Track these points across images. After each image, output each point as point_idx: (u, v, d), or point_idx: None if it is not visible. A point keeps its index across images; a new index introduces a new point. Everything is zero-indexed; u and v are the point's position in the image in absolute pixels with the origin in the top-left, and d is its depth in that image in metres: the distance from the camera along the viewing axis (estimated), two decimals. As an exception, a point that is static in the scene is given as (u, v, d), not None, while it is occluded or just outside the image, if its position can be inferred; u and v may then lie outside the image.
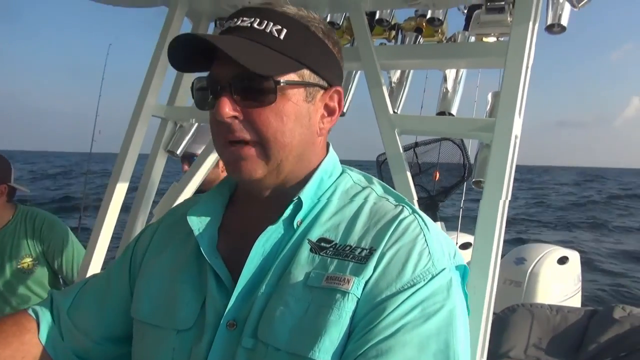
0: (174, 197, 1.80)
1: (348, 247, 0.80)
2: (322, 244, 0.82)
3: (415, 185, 1.72)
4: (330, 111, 0.89)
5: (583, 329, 3.15)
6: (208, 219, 0.91)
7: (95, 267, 1.74)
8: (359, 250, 0.79)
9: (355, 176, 0.94)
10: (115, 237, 1.79)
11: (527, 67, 1.35)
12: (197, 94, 0.87)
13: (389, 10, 1.77)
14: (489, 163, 1.26)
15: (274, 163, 0.83)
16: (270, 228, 0.83)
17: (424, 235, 0.81)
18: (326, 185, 0.89)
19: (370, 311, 0.74)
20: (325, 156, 0.92)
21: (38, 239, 2.33)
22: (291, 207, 0.84)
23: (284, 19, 0.82)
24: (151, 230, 1.02)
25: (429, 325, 0.73)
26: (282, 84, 0.80)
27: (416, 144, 1.77)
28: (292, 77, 0.82)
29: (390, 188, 0.93)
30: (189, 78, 1.85)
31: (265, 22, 0.81)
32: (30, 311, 0.99)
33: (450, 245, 0.85)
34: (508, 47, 1.32)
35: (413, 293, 0.75)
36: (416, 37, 1.76)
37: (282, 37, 0.81)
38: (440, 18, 1.69)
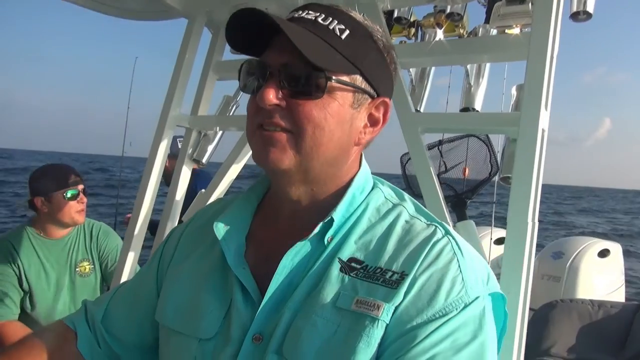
0: (201, 206, 1.82)
1: (379, 270, 0.78)
2: (353, 264, 0.80)
3: (442, 183, 1.69)
4: (373, 121, 0.87)
5: (628, 323, 3.04)
6: (235, 227, 0.89)
7: (127, 277, 1.78)
8: (389, 273, 0.77)
9: (386, 191, 0.91)
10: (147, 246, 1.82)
11: (551, 58, 1.31)
12: (244, 77, 0.84)
13: (407, 8, 1.75)
14: (515, 158, 1.23)
15: (303, 159, 0.80)
16: (299, 244, 0.81)
17: (458, 260, 0.78)
18: (358, 201, 0.87)
19: (399, 338, 0.73)
20: (359, 170, 0.90)
21: (95, 244, 2.55)
22: (321, 225, 0.81)
23: (350, 21, 0.82)
24: (178, 233, 1.02)
25: (459, 358, 0.72)
26: (333, 82, 0.78)
27: (440, 142, 1.75)
28: (344, 78, 0.80)
29: (422, 206, 0.90)
30: (210, 88, 1.88)
31: (330, 19, 0.80)
32: (67, 321, 1.02)
33: (483, 269, 0.82)
34: (530, 38, 1.29)
35: (445, 322, 0.73)
36: (436, 34, 1.74)
37: (343, 37, 0.80)
38: (460, 12, 1.66)
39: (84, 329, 1.00)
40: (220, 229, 0.88)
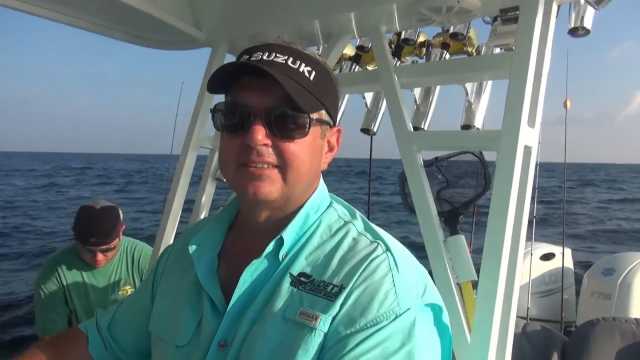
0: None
1: (322, 283, 0.86)
2: (302, 278, 0.88)
3: (440, 199, 1.73)
4: (330, 147, 0.99)
5: (677, 344, 2.86)
6: (208, 246, 1.00)
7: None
8: (330, 286, 0.85)
9: (340, 210, 0.99)
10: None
11: (538, 75, 1.34)
12: (223, 117, 0.90)
13: (414, 30, 1.82)
14: (495, 174, 1.26)
15: (289, 188, 0.90)
16: (256, 261, 0.91)
17: (392, 275, 0.84)
18: (312, 219, 0.95)
19: (334, 346, 0.80)
20: (315, 190, 0.98)
21: (137, 268, 2.64)
22: (273, 243, 0.90)
23: (313, 62, 0.91)
24: (168, 252, 1.15)
25: None
26: (314, 121, 0.89)
27: (436, 159, 1.79)
28: (316, 115, 0.91)
29: (372, 225, 0.97)
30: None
31: (299, 61, 0.89)
32: (81, 327, 1.18)
33: (420, 284, 0.87)
34: (513, 57, 1.32)
35: (375, 332, 0.79)
36: (441, 53, 1.79)
37: (311, 78, 0.90)
38: (462, 32, 1.70)
39: (95, 334, 1.15)
40: (194, 249, 0.99)
